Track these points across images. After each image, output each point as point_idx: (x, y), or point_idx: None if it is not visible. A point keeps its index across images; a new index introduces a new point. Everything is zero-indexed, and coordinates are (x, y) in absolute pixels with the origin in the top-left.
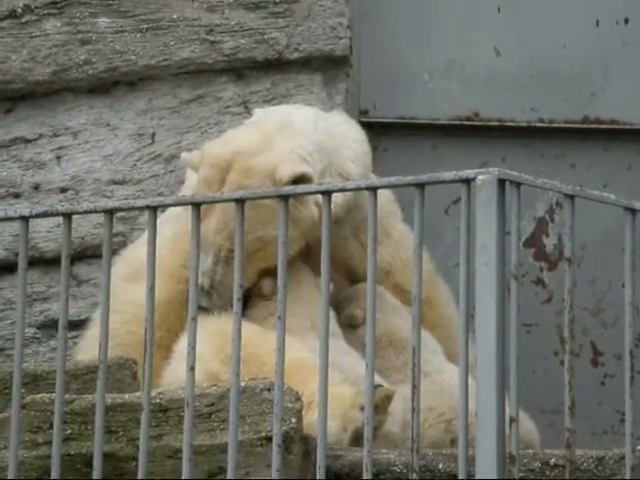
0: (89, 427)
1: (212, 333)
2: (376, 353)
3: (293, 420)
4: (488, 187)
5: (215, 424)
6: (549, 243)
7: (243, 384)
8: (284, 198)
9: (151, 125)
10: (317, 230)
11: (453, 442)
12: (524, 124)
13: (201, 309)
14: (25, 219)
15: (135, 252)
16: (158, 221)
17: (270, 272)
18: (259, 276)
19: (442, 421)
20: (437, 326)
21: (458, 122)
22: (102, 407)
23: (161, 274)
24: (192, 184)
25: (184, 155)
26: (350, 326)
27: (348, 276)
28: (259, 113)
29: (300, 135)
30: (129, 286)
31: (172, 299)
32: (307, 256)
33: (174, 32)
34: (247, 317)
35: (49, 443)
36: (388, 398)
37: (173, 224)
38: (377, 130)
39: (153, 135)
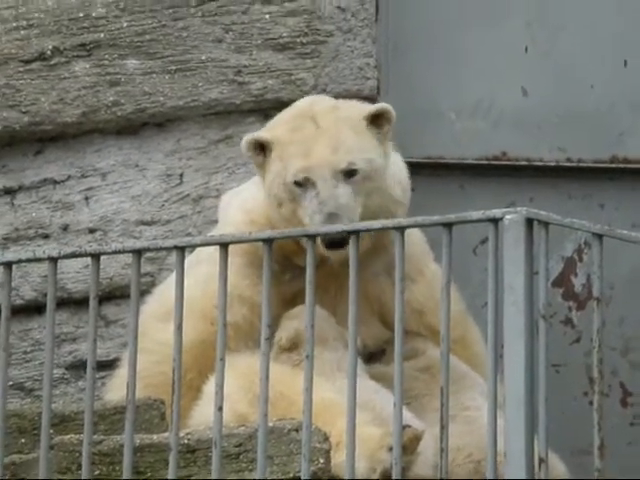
0: (117, 468)
1: (240, 373)
2: (425, 381)
3: (321, 460)
4: (516, 227)
5: (243, 464)
6: (578, 283)
7: (271, 424)
8: (311, 237)
9: (179, 166)
10: None
11: None
12: (552, 164)
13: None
14: (54, 260)
15: (168, 291)
16: (187, 262)
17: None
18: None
19: (471, 461)
20: (471, 366)
21: (486, 162)
22: (130, 448)
23: (194, 315)
24: (226, 221)
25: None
26: (407, 359)
27: (380, 314)
28: None
29: None
30: (161, 325)
31: (204, 340)
32: (325, 294)
33: (202, 73)
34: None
35: None
36: (417, 438)
37: (206, 265)
38: None
39: (181, 176)
